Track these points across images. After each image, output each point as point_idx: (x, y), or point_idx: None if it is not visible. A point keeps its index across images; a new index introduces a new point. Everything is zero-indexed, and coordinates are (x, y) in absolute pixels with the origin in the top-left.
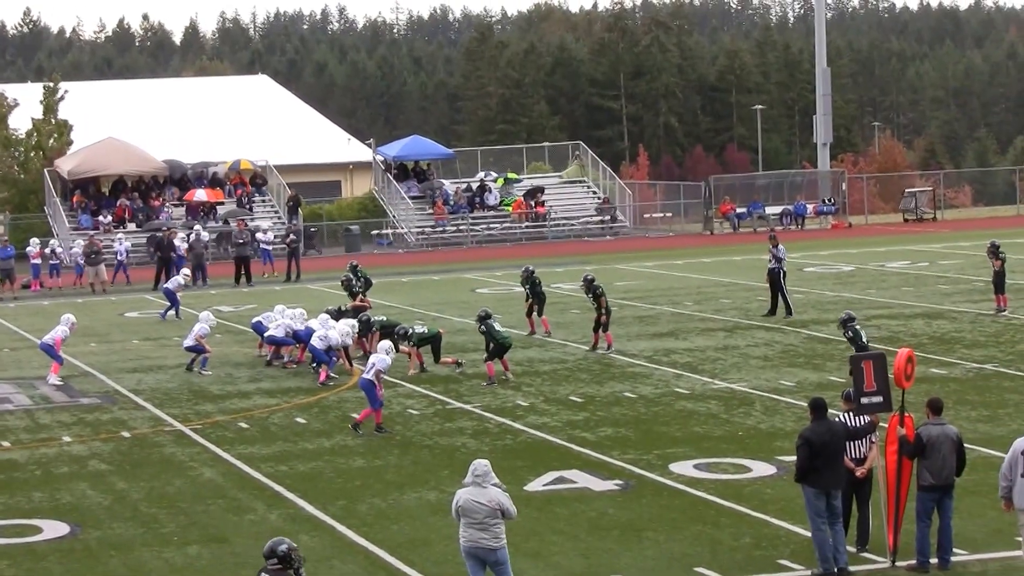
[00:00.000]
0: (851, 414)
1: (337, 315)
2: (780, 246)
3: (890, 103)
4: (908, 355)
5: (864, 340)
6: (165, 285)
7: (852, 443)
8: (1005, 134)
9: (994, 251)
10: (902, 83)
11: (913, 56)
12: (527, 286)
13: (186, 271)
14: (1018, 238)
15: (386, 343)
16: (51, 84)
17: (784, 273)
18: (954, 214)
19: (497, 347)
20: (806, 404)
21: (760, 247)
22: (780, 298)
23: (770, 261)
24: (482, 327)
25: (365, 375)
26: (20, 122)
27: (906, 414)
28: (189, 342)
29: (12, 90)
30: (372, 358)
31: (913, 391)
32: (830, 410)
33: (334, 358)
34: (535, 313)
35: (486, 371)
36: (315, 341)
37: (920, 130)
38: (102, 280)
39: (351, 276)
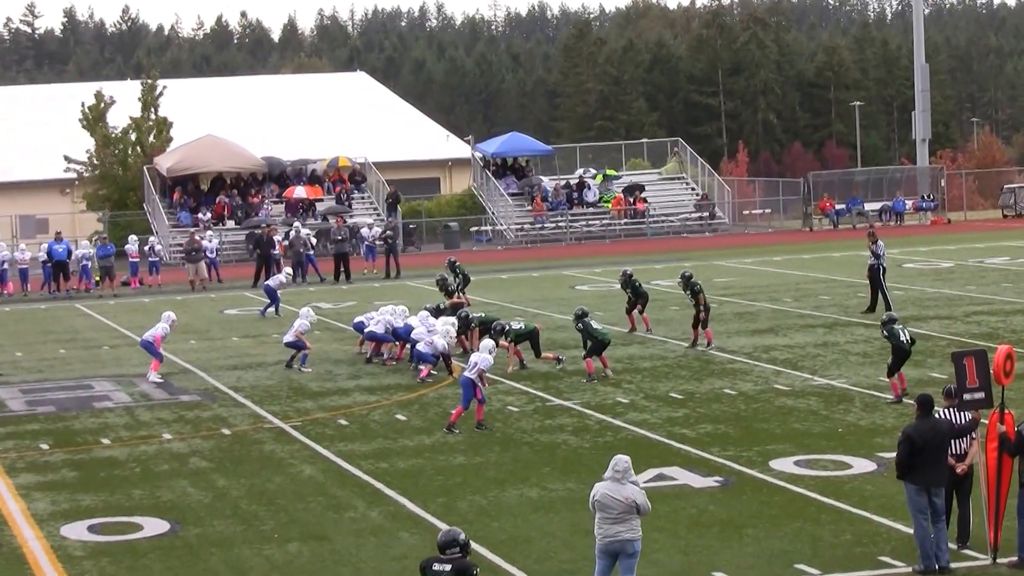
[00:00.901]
0: (952, 410)
1: (436, 313)
2: (879, 242)
3: (988, 99)
4: (1008, 352)
5: (903, 339)
6: (266, 282)
7: (954, 440)
8: None
9: None
10: (1000, 79)
11: (1011, 52)
12: (628, 289)
13: (288, 270)
14: None
15: (489, 342)
16: (149, 81)
17: (884, 269)
18: None
19: (596, 344)
20: (906, 400)
21: (859, 243)
22: (880, 295)
23: (870, 258)
24: (579, 325)
25: (467, 373)
26: (119, 120)
27: (1006, 411)
28: (289, 338)
29: (110, 87)
30: (474, 357)
31: (1013, 387)
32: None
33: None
34: (636, 311)
35: (585, 368)
36: (422, 347)
37: (1019, 126)
38: (202, 277)
39: (446, 276)
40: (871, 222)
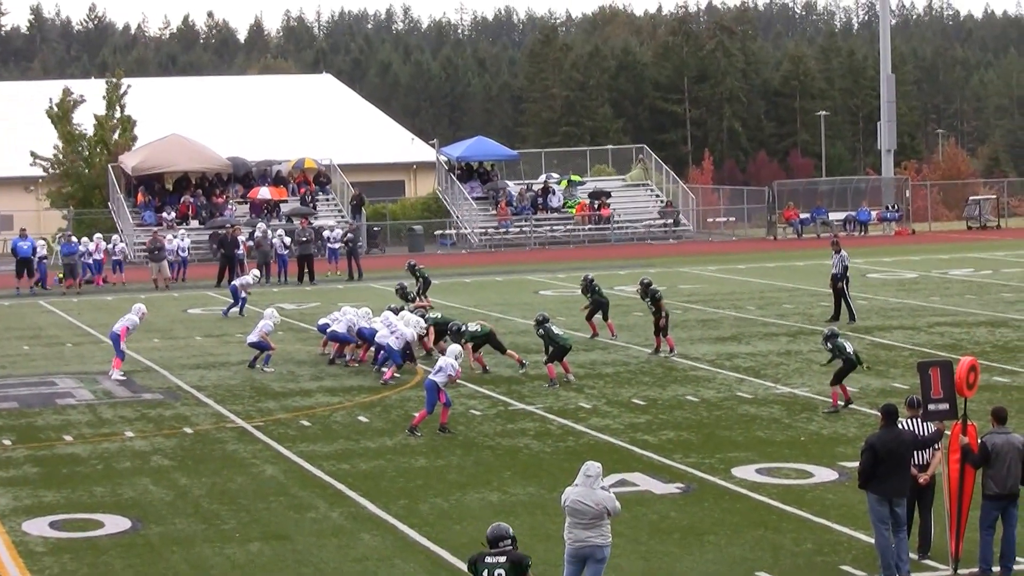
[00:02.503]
0: (916, 420)
1: (397, 312)
2: (843, 252)
3: (954, 111)
4: (971, 364)
5: (849, 351)
6: (233, 283)
7: (917, 451)
8: None
9: None
10: (966, 91)
11: (977, 64)
12: (588, 294)
13: (255, 271)
14: None
15: (456, 347)
16: (114, 80)
17: (847, 279)
18: (1018, 222)
19: (557, 349)
20: (868, 410)
21: (823, 253)
22: (843, 304)
23: (833, 267)
24: (540, 331)
25: (432, 376)
26: (85, 118)
27: (969, 423)
28: (253, 338)
29: (76, 86)
30: (440, 361)
31: (976, 399)
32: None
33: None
34: (601, 316)
35: (547, 373)
36: (392, 342)
37: (984, 138)
38: (165, 276)
39: (404, 283)
40: (835, 232)
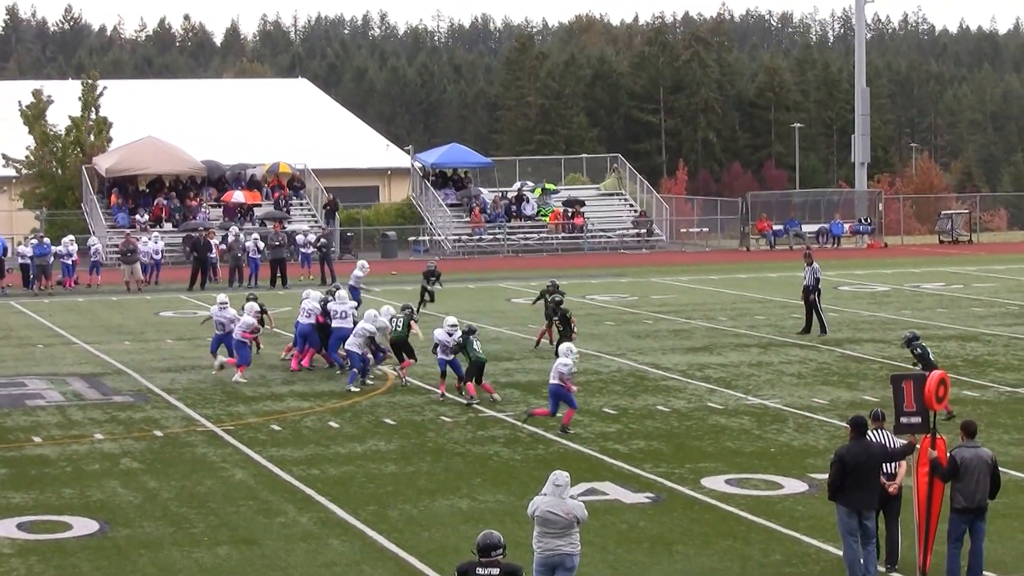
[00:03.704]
0: (880, 431)
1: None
2: (815, 264)
3: (928, 125)
4: (940, 377)
5: (931, 358)
6: (349, 283)
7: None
8: None
9: None
10: (940, 105)
11: (951, 79)
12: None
13: (364, 263)
14: None
15: (568, 345)
16: (90, 81)
17: (819, 291)
18: (989, 237)
19: (471, 365)
20: (839, 422)
21: (796, 264)
22: (815, 316)
23: (805, 279)
24: (461, 340)
25: (553, 380)
26: (60, 119)
27: (938, 436)
28: (236, 335)
29: (51, 86)
30: (557, 362)
31: (944, 419)
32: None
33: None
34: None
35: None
36: (352, 344)
37: (957, 153)
38: (137, 278)
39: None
40: (808, 245)
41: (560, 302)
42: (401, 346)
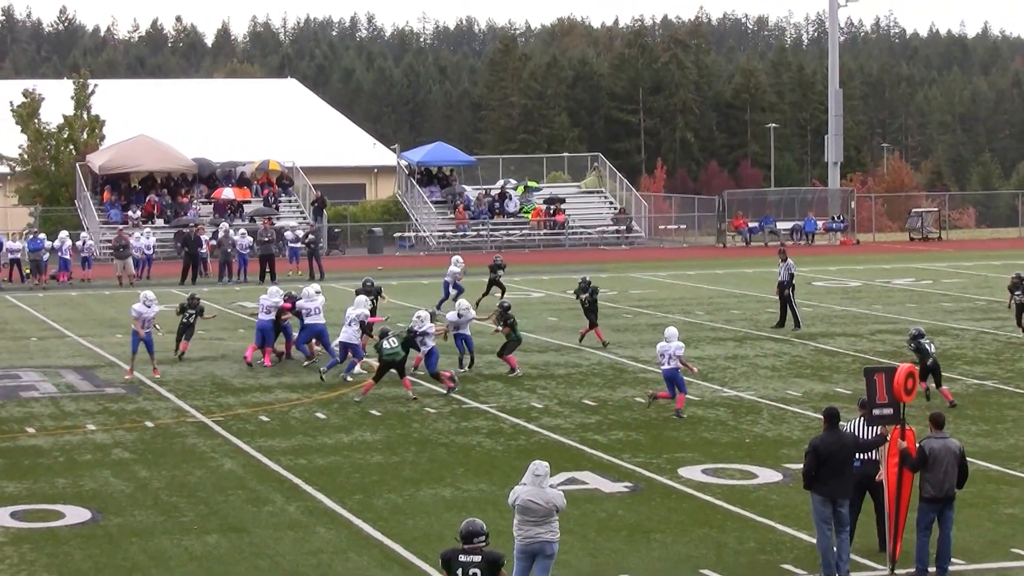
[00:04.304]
0: (862, 420)
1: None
2: (789, 260)
3: (899, 126)
4: (909, 370)
5: (932, 352)
6: (445, 278)
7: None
8: (1009, 159)
9: (1021, 284)
10: (910, 107)
11: (922, 81)
12: (584, 294)
13: (458, 258)
14: (1020, 259)
15: (673, 330)
16: (81, 80)
17: (793, 287)
18: (958, 235)
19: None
20: (812, 414)
21: (771, 260)
22: (789, 310)
23: (780, 275)
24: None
25: (667, 365)
26: (53, 117)
27: (907, 427)
28: (264, 317)
29: (45, 85)
30: (670, 346)
31: (914, 404)
32: (848, 414)
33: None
34: (590, 327)
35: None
36: (349, 336)
37: (927, 153)
38: (129, 273)
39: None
40: (782, 241)
41: (508, 307)
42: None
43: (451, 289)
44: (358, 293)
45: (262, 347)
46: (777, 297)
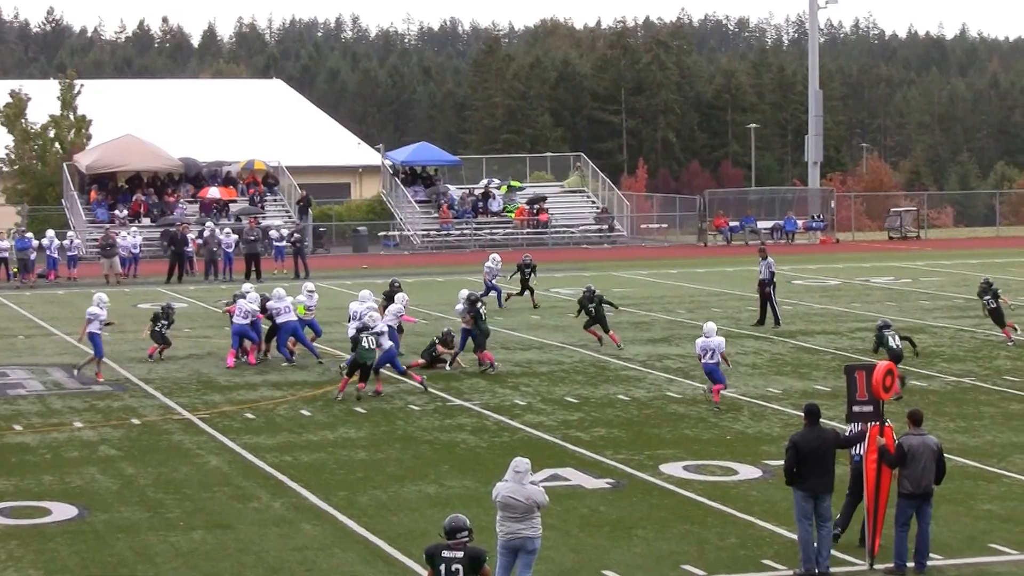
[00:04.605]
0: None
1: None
2: (770, 259)
3: (878, 126)
4: (888, 367)
5: (894, 345)
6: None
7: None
8: (986, 159)
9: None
10: (889, 107)
11: (900, 82)
12: (590, 304)
13: (496, 256)
14: (997, 258)
15: (712, 326)
16: (68, 80)
17: (774, 285)
18: (936, 234)
19: (480, 334)
20: (791, 411)
21: (751, 259)
22: (769, 308)
23: (761, 273)
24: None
25: (708, 360)
26: (40, 117)
27: (886, 424)
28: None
29: (31, 86)
30: (712, 342)
31: (892, 401)
32: (827, 411)
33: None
34: (596, 327)
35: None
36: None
37: (906, 152)
38: (116, 272)
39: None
40: (763, 240)
41: (476, 300)
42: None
43: (491, 284)
44: (389, 295)
45: (240, 348)
46: (758, 295)
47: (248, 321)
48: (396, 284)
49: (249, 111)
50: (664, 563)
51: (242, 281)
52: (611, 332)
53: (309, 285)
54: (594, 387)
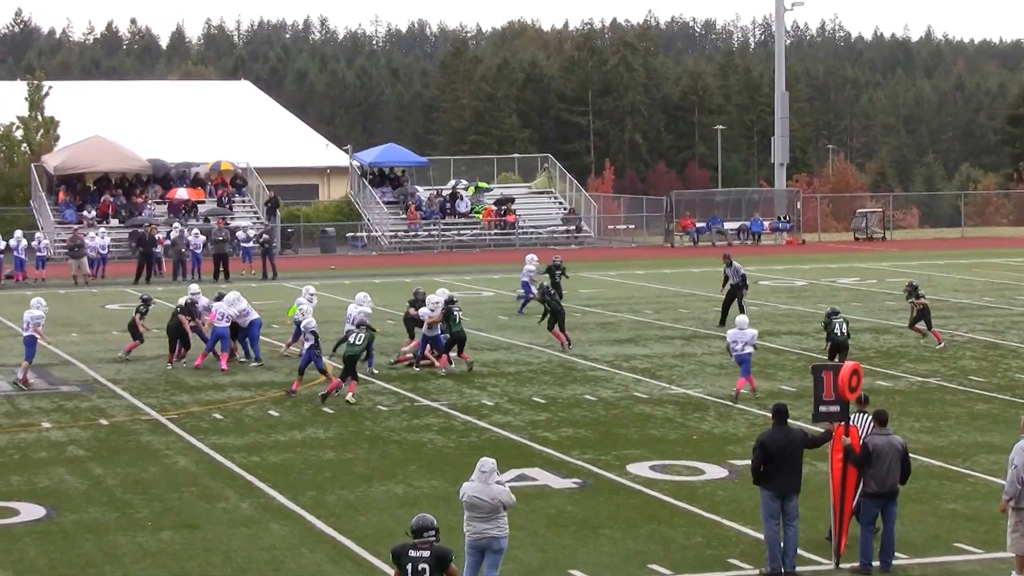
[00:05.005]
0: (863, 415)
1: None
2: (735, 264)
3: (844, 127)
4: (854, 368)
5: (838, 332)
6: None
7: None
8: (951, 160)
9: (914, 292)
10: (855, 109)
11: (866, 83)
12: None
13: (533, 256)
14: (962, 259)
15: (744, 319)
16: (36, 81)
17: (744, 289)
18: (902, 234)
19: (451, 337)
20: (757, 411)
21: (718, 260)
22: (736, 309)
23: (732, 278)
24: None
25: (739, 352)
26: (8, 118)
27: (851, 424)
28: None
29: None
30: (745, 333)
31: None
32: (794, 411)
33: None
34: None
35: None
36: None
37: (871, 154)
38: (84, 273)
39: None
40: (729, 241)
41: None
42: (352, 361)
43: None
44: (416, 304)
45: (214, 351)
46: (723, 297)
47: (226, 324)
48: (419, 294)
49: (217, 112)
50: (631, 562)
51: (211, 282)
52: (565, 331)
53: (311, 288)
54: (561, 387)
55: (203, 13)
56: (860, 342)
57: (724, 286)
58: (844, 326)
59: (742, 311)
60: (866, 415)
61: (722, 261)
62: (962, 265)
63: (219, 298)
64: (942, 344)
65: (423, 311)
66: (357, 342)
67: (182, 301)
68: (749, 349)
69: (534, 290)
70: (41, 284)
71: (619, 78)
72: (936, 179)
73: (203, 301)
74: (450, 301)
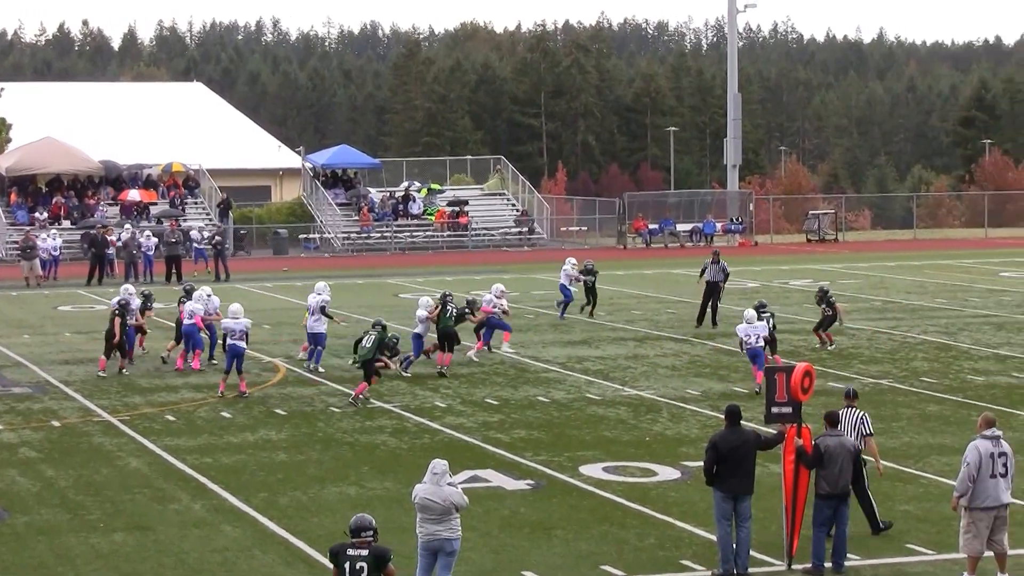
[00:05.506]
0: (851, 411)
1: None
2: (721, 262)
3: (796, 129)
4: (806, 369)
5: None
6: (561, 281)
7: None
8: (903, 162)
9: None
10: (808, 111)
11: (819, 85)
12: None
13: (572, 259)
14: (914, 261)
15: (752, 312)
16: None
17: (722, 288)
18: (854, 236)
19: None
20: (710, 412)
21: (671, 262)
22: (710, 310)
23: (713, 275)
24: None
25: (754, 344)
26: None
27: (804, 425)
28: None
29: None
30: (755, 330)
31: (811, 403)
32: (746, 412)
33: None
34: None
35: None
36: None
37: (824, 156)
38: (37, 274)
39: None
40: (682, 243)
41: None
42: (369, 362)
43: (571, 287)
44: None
45: (190, 351)
46: (702, 295)
47: (192, 321)
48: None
49: (170, 114)
50: (584, 564)
51: (163, 283)
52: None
53: (321, 284)
54: (514, 389)
55: (155, 14)
56: (813, 343)
57: (701, 277)
58: (770, 321)
59: (715, 310)
60: (855, 409)
61: (710, 257)
62: (914, 267)
63: (188, 295)
64: (832, 345)
65: (419, 313)
66: (367, 344)
67: (114, 301)
68: (761, 342)
69: (573, 292)
70: None
71: (572, 80)
72: (888, 181)
73: (215, 301)
74: (446, 295)
